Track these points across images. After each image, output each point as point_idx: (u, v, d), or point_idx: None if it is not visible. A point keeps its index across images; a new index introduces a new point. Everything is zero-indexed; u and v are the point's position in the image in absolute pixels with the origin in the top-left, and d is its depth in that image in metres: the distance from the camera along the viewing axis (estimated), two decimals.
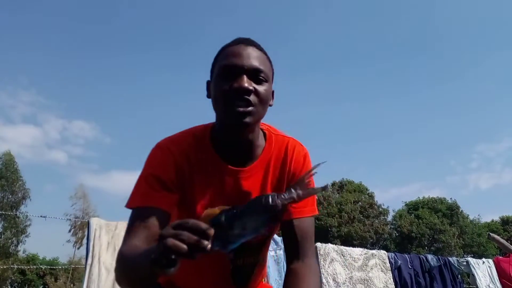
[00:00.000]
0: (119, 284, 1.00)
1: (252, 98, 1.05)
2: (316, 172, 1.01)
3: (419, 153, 50.00)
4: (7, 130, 38.77)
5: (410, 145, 50.18)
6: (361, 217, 29.17)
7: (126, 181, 44.61)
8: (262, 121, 1.17)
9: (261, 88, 1.07)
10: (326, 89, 51.02)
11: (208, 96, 1.14)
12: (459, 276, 7.70)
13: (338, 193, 31.28)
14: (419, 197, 34.78)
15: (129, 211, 1.11)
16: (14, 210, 23.37)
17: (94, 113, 46.73)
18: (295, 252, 1.15)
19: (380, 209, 31.31)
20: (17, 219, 23.88)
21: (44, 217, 5.40)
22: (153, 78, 49.12)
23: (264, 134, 1.21)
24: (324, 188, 1.01)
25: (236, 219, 0.78)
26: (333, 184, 32.30)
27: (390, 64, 52.40)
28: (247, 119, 1.05)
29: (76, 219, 18.53)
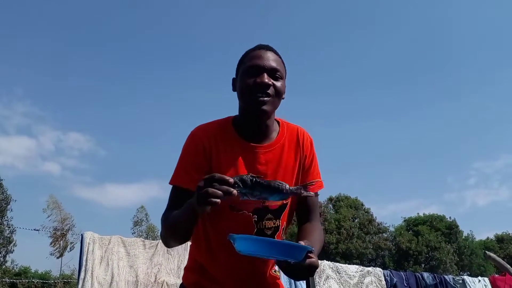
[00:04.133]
0: (165, 242, 1.38)
1: (271, 91, 1.34)
2: (313, 183, 1.31)
3: (417, 169, 50.11)
4: (1, 141, 38.56)
5: (408, 161, 50.30)
6: (361, 234, 29.06)
7: (120, 194, 44.37)
8: (276, 115, 1.47)
9: (277, 84, 1.37)
10: (326, 108, 51.35)
11: (234, 89, 1.44)
12: None
13: (334, 208, 31.19)
14: (418, 213, 34.76)
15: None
16: None
17: (90, 125, 46.61)
18: (305, 217, 1.45)
19: (379, 226, 31.22)
20: (1, 225, 23.56)
21: (37, 230, 5.36)
22: (149, 90, 49.31)
23: (278, 123, 1.49)
24: (316, 194, 1.43)
25: (258, 185, 1.09)
26: (330, 199, 32.23)
27: (387, 82, 52.90)
28: (265, 107, 1.34)
29: (61, 231, 18.32)
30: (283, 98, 1.42)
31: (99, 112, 45.61)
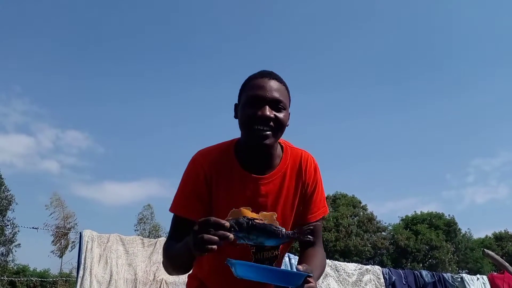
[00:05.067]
0: (167, 271, 1.36)
1: (272, 124, 1.29)
2: (312, 227, 1.29)
3: (415, 166, 50.17)
4: (0, 139, 38.50)
5: (406, 159, 50.36)
6: (360, 232, 29.09)
7: (119, 192, 44.34)
8: None
9: (280, 115, 1.31)
10: (323, 105, 51.34)
11: (235, 117, 1.39)
12: None
13: (332, 206, 31.22)
14: (415, 212, 34.80)
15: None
16: (0, 217, 23.01)
17: (88, 122, 46.52)
18: (308, 244, 1.40)
19: (379, 224, 31.27)
20: (3, 224, 23.52)
21: (36, 228, 5.35)
22: (148, 88, 49.25)
23: (282, 147, 1.44)
24: (311, 239, 1.28)
25: (254, 229, 1.07)
26: (327, 197, 32.18)
27: (385, 79, 52.90)
28: (267, 141, 1.29)
29: (65, 230, 18.27)
30: (287, 126, 1.38)
31: (97, 110, 45.60)
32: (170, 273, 1.37)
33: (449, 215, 33.97)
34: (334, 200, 31.89)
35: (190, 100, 47.77)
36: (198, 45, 51.41)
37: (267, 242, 1.12)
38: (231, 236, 1.01)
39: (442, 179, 50.33)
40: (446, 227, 32.67)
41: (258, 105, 1.29)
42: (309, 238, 1.18)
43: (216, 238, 0.99)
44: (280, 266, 1.43)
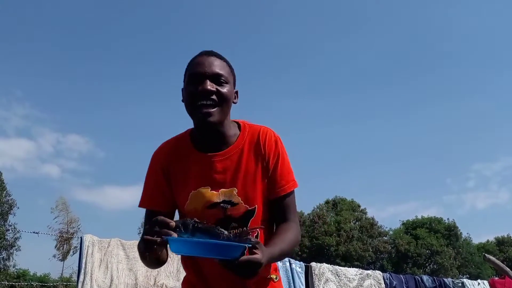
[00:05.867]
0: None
1: (214, 97, 1.28)
2: (257, 229, 1.31)
3: (416, 171, 50.06)
4: (0, 143, 38.54)
5: (407, 163, 50.28)
6: (362, 236, 29.00)
7: (119, 196, 44.31)
8: (238, 118, 1.43)
9: (222, 89, 1.30)
10: (322, 109, 51.33)
11: (182, 101, 1.36)
12: None
13: (333, 210, 31.15)
14: (416, 216, 34.70)
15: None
16: (1, 222, 22.96)
17: (89, 127, 46.63)
18: (280, 218, 1.37)
19: (380, 229, 31.19)
20: (3, 229, 23.48)
21: (36, 233, 5.35)
22: (148, 92, 49.32)
23: (239, 126, 1.41)
24: (255, 242, 1.18)
25: (198, 231, 1.08)
26: (327, 202, 32.19)
27: (386, 83, 52.93)
28: (211, 118, 1.27)
29: (66, 235, 18.22)
30: (234, 103, 1.37)
31: (98, 114, 45.66)
32: (149, 267, 1.42)
33: (449, 219, 33.92)
34: (335, 205, 31.83)
35: None
36: (199, 48, 51.42)
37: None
38: (174, 235, 1.03)
39: (443, 183, 50.33)
40: (447, 232, 32.57)
41: (198, 81, 1.29)
42: (251, 242, 1.13)
43: (156, 239, 1.03)
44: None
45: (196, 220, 1.09)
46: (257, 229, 1.31)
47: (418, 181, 50.85)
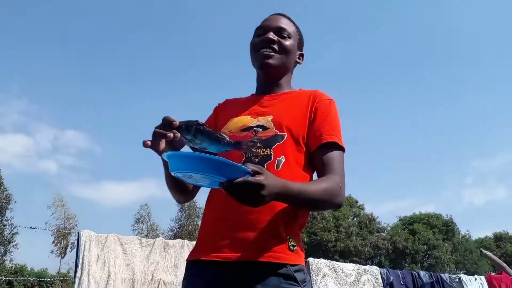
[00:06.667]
0: (174, 198, 1.39)
1: (276, 46, 1.37)
2: (257, 142, 1.21)
3: (413, 167, 50.19)
4: None
5: (405, 160, 50.38)
6: (362, 232, 29.09)
7: (117, 192, 44.27)
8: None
9: (284, 41, 1.38)
10: None
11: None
12: None
13: None
14: (414, 212, 34.81)
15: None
16: None
17: (87, 122, 46.53)
18: (320, 172, 1.28)
19: (378, 225, 31.30)
20: (1, 225, 23.45)
21: (33, 228, 5.33)
22: (146, 87, 49.18)
23: (298, 90, 1.45)
24: (258, 153, 1.23)
25: (201, 133, 1.04)
26: None
27: (383, 79, 52.94)
28: (270, 60, 1.36)
29: (63, 230, 18.21)
30: (298, 63, 1.47)
31: (95, 110, 45.54)
32: (177, 199, 1.41)
33: (446, 215, 34.04)
34: None
35: (190, 101, 47.74)
36: (200, 48, 51.35)
37: (209, 148, 1.06)
38: (170, 134, 1.03)
39: (441, 180, 50.46)
40: (444, 227, 32.70)
41: (262, 33, 1.39)
42: (253, 151, 1.08)
43: (162, 132, 1.04)
44: (272, 169, 1.23)
45: (199, 121, 1.05)
46: (256, 141, 1.21)
47: (415, 177, 50.97)
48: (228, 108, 1.45)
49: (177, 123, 1.05)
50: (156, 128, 1.08)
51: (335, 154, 1.28)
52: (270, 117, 1.32)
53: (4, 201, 24.69)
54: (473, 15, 55.16)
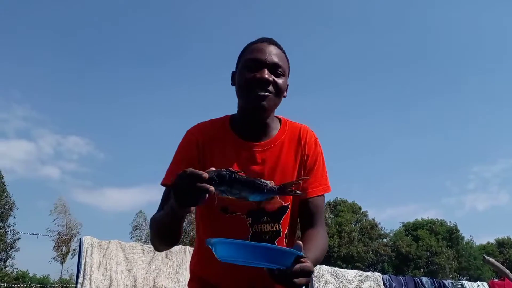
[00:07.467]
0: (154, 246, 1.27)
1: (271, 88, 1.26)
2: (300, 181, 1.25)
3: (416, 173, 50.08)
4: (0, 145, 38.54)
5: (406, 166, 50.28)
6: (364, 238, 28.99)
7: (119, 198, 44.27)
8: (279, 114, 1.40)
9: (279, 81, 1.28)
10: (320, 107, 51.34)
11: (233, 84, 1.35)
12: None
13: (332, 212, 31.15)
14: (417, 218, 34.65)
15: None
16: (1, 223, 22.89)
17: (89, 128, 46.68)
18: (308, 222, 1.31)
19: (381, 231, 31.19)
20: (3, 231, 23.44)
21: (36, 234, 5.35)
22: (148, 94, 49.33)
23: (280, 121, 1.40)
24: (301, 194, 1.19)
25: (237, 182, 0.97)
26: (327, 204, 32.18)
27: (385, 83, 52.97)
28: (265, 103, 1.26)
29: (65, 236, 18.19)
30: (284, 97, 1.34)
31: (98, 116, 45.66)
32: (157, 248, 1.28)
33: (450, 222, 33.89)
34: (335, 206, 31.83)
35: (192, 106, 47.83)
36: (201, 50, 51.52)
37: (251, 197, 1.01)
38: (212, 188, 0.91)
39: (442, 186, 50.29)
40: (448, 234, 32.53)
41: (257, 68, 1.26)
42: (297, 192, 1.08)
43: (199, 186, 0.91)
44: (282, 245, 1.27)
45: (232, 169, 0.98)
46: (301, 181, 1.25)
47: (417, 183, 50.83)
48: (213, 151, 1.30)
49: (206, 175, 0.92)
50: (189, 183, 0.92)
51: (321, 203, 1.34)
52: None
53: (7, 207, 24.71)
54: (475, 18, 55.28)
